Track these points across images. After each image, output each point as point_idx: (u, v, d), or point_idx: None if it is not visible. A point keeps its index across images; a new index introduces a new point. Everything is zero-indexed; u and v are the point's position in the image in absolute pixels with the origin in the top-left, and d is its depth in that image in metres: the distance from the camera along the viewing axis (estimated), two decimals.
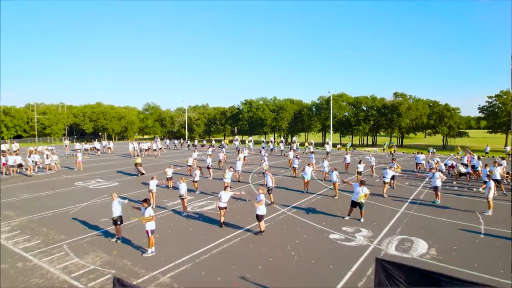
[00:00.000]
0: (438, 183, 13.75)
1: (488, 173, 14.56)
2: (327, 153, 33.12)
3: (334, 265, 8.04)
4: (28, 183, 19.08)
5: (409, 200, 14.31)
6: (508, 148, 34.74)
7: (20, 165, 22.50)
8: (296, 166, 20.59)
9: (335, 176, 14.94)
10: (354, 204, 11.42)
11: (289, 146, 36.78)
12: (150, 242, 8.68)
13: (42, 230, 10.71)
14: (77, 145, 34.00)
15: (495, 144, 50.81)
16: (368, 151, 43.44)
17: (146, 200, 8.85)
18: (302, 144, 44.54)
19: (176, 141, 50.06)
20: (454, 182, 17.94)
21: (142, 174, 21.40)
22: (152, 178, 13.56)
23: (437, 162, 20.09)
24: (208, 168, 20.50)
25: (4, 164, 22.31)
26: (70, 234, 10.29)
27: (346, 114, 60.35)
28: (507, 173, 17.43)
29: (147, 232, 8.59)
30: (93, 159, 32.32)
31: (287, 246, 9.20)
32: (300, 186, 17.41)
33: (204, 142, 48.71)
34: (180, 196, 12.44)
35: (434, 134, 57.68)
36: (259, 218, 10.10)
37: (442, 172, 19.14)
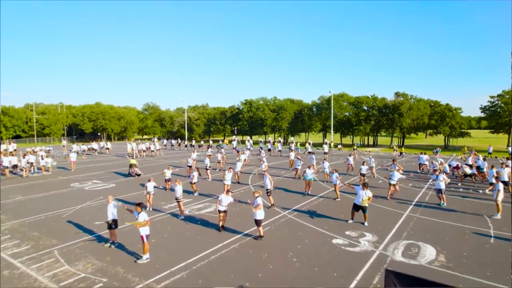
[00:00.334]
0: (442, 185, 13.33)
1: (495, 174, 14.13)
2: (325, 153, 32.65)
3: (338, 272, 7.61)
4: (23, 185, 18.66)
5: (413, 203, 13.88)
6: (510, 149, 34.32)
7: (15, 166, 22.08)
8: (299, 167, 20.05)
9: (335, 177, 14.57)
10: (357, 207, 11.00)
11: (288, 147, 36.21)
12: (145, 248, 8.26)
13: (33, 234, 10.29)
14: (74, 147, 33.56)
15: (497, 145, 50.36)
16: (369, 151, 43.01)
17: (140, 204, 8.45)
18: (302, 144, 44.12)
19: (173, 141, 49.51)
20: (459, 184, 17.50)
21: (138, 175, 21.00)
22: (149, 181, 13.13)
23: (441, 163, 19.66)
24: (207, 169, 20.07)
25: None
26: (62, 238, 9.87)
27: (347, 114, 59.92)
28: None
29: (142, 237, 8.17)
30: (90, 159, 31.91)
31: (288, 252, 8.78)
32: (301, 187, 16.98)
33: (202, 142, 48.18)
34: (176, 199, 12.02)
35: (435, 134, 57.21)
36: (257, 222, 9.70)
37: (446, 173, 18.73)
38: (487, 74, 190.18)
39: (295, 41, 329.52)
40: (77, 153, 33.92)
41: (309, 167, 15.91)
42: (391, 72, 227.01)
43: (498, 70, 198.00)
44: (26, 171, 21.43)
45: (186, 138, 59.65)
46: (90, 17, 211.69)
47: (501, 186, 11.62)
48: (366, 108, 59.57)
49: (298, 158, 21.04)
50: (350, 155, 23.15)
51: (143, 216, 8.24)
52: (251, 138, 64.29)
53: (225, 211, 10.41)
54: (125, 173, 21.99)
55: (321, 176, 19.73)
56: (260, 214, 9.65)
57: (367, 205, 10.88)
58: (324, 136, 66.57)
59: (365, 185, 11.00)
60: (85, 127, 73.40)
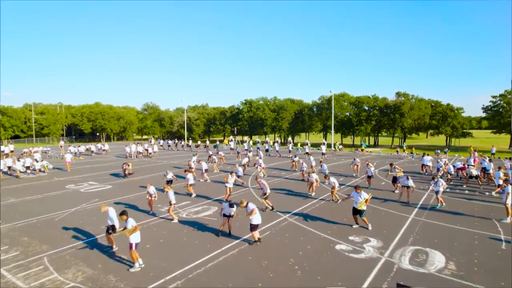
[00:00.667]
0: (441, 189, 12.99)
1: (503, 176, 13.68)
2: (323, 153, 32.18)
3: (342, 281, 7.18)
4: (17, 186, 18.22)
5: (418, 205, 13.44)
6: None
7: (9, 168, 21.65)
8: (305, 168, 19.40)
9: (332, 180, 14.14)
10: (356, 211, 10.58)
11: (288, 148, 35.60)
12: (133, 256, 7.82)
13: (23, 239, 9.85)
14: (72, 148, 33.14)
15: (499, 145, 49.85)
16: (370, 152, 42.56)
17: (124, 213, 8.04)
18: (302, 145, 43.62)
19: (170, 142, 49.04)
20: (464, 186, 17.05)
21: (130, 174, 20.63)
22: (147, 187, 12.64)
23: (446, 163, 19.23)
24: (205, 171, 19.52)
25: None
26: (53, 244, 9.43)
27: (348, 114, 59.44)
28: None
29: (130, 245, 7.74)
30: (88, 160, 31.49)
31: (289, 259, 8.34)
32: (302, 188, 16.56)
33: (199, 142, 47.69)
34: (169, 203, 11.58)
35: (437, 135, 56.73)
36: (252, 227, 9.27)
37: (450, 174, 18.32)
38: (487, 74, 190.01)
39: (295, 41, 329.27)
40: (75, 154, 33.57)
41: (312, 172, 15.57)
42: (392, 72, 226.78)
43: (498, 70, 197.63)
44: (18, 173, 20.92)
45: (186, 138, 59.21)
46: (90, 17, 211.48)
47: (510, 188, 11.18)
48: (367, 108, 59.10)
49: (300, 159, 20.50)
50: (356, 158, 21.93)
51: (130, 223, 7.83)
52: (251, 138, 63.92)
53: (230, 216, 9.96)
54: (122, 174, 21.52)
55: (321, 178, 19.22)
56: (257, 218, 9.26)
57: (364, 208, 10.46)
58: (325, 136, 66.11)
59: (357, 188, 10.57)
60: (84, 127, 72.93)
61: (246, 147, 36.11)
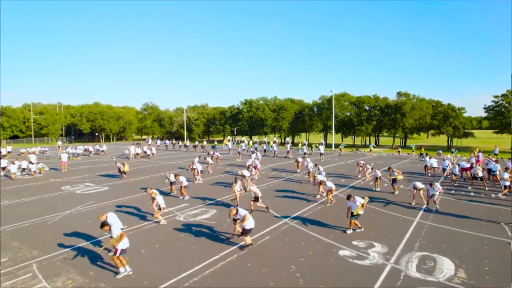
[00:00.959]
0: (436, 193, 12.63)
1: (508, 177, 13.27)
2: (321, 154, 31.75)
3: None
4: (11, 188, 17.82)
5: (423, 208, 13.02)
6: None
7: (3, 168, 21.28)
8: (311, 170, 18.64)
9: (329, 183, 13.76)
10: (351, 214, 10.20)
11: (287, 149, 35.07)
12: (116, 262, 7.44)
13: (13, 244, 9.46)
14: (70, 149, 32.77)
15: (500, 145, 49.29)
16: (380, 152, 42.10)
17: (105, 224, 7.68)
18: (295, 145, 43.14)
19: (167, 142, 48.61)
20: (470, 187, 16.64)
21: (123, 173, 20.26)
22: (148, 191, 12.21)
23: (453, 162, 18.83)
24: (197, 173, 19.03)
25: None
26: (44, 249, 9.04)
27: (348, 114, 59.03)
28: None
29: (115, 251, 7.37)
30: (86, 160, 31.12)
31: (291, 266, 7.95)
32: (303, 191, 16.19)
33: (196, 142, 47.29)
34: (158, 208, 11.18)
35: (438, 135, 56.31)
36: (245, 231, 8.91)
37: (455, 175, 17.92)
38: (488, 74, 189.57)
39: (295, 41, 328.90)
40: (73, 154, 33.21)
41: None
42: (392, 72, 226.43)
43: (499, 70, 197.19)
44: (13, 175, 20.50)
45: (185, 138, 58.82)
46: (90, 17, 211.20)
47: None
48: (367, 108, 58.70)
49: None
50: (358, 162, 21.15)
51: (115, 231, 7.49)
52: (251, 138, 63.55)
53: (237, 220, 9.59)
54: (119, 175, 21.13)
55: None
56: (250, 223, 8.92)
57: (361, 212, 10.08)
58: (325, 137, 65.73)
59: (350, 197, 10.15)
60: (83, 127, 72.57)
61: (244, 147, 35.68)
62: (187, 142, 46.40)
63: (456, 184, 17.70)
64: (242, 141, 40.88)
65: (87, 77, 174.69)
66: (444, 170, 19.61)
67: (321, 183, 14.34)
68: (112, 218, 8.66)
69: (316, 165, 19.16)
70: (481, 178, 16.28)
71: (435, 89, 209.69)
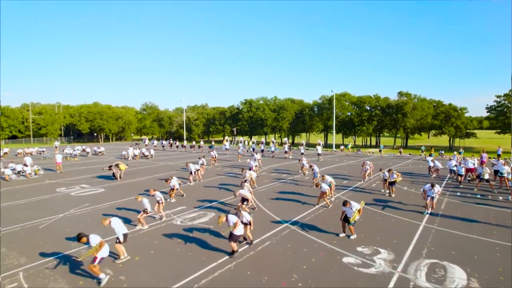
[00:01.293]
0: (435, 195, 12.18)
1: None
2: (318, 154, 31.30)
3: None
4: (4, 190, 17.34)
5: (428, 211, 12.55)
6: None
7: None
8: (317, 176, 17.61)
9: (325, 186, 13.22)
10: (347, 219, 9.72)
11: (285, 149, 34.54)
12: (94, 270, 7.02)
13: (1, 251, 9.01)
14: (67, 149, 32.33)
15: (502, 146, 48.85)
16: (372, 152, 41.69)
17: (81, 235, 7.21)
18: (295, 145, 42.57)
19: (164, 142, 48.19)
20: (475, 189, 16.16)
21: (119, 177, 19.85)
22: (151, 193, 11.78)
23: (460, 163, 18.34)
24: (191, 173, 18.39)
25: None
26: (33, 256, 8.60)
27: (349, 114, 58.57)
28: None
29: (94, 259, 6.97)
30: (83, 161, 30.68)
31: (292, 274, 7.50)
32: (304, 193, 15.73)
33: (193, 142, 46.89)
34: (144, 211, 10.72)
35: (440, 135, 55.82)
36: (233, 237, 8.45)
37: (460, 175, 17.45)
38: (488, 74, 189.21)
39: (295, 41, 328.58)
40: (70, 155, 32.78)
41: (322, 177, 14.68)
42: (392, 72, 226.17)
43: (499, 70, 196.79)
44: (7, 176, 20.05)
45: (185, 138, 58.39)
46: (90, 17, 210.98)
47: None
48: (368, 108, 58.25)
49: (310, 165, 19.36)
50: (364, 162, 20.05)
51: (94, 241, 7.08)
52: (251, 138, 63.08)
53: (246, 224, 9.14)
54: (114, 177, 20.66)
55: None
56: (239, 230, 8.51)
57: (357, 219, 9.66)
58: (326, 137, 65.25)
59: (346, 203, 9.64)
60: (82, 127, 72.09)
61: (241, 148, 35.24)
62: (184, 142, 46.02)
63: (461, 186, 17.24)
64: (240, 141, 40.34)
65: (86, 77, 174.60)
66: (451, 171, 19.04)
67: (323, 194, 13.39)
68: (116, 223, 8.27)
69: (311, 166, 18.70)
70: (488, 180, 15.81)
71: (435, 89, 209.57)
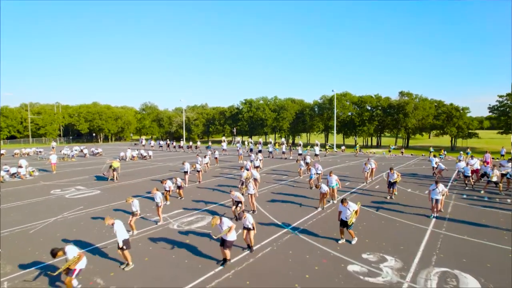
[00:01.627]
0: (439, 196, 11.60)
1: None
2: (316, 155, 30.83)
3: None
4: None
5: (435, 215, 12.07)
6: None
7: None
8: (313, 177, 17.07)
9: (325, 187, 12.78)
10: (344, 223, 9.26)
11: (282, 150, 34.06)
12: (69, 285, 6.56)
13: None
14: (65, 150, 31.89)
15: (504, 146, 48.40)
16: (374, 153, 41.21)
17: (56, 250, 6.70)
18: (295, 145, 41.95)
19: (161, 142, 47.81)
20: (482, 192, 15.69)
21: (115, 179, 19.43)
22: (153, 192, 11.30)
23: (467, 163, 17.83)
24: (185, 173, 17.96)
25: None
26: (20, 264, 8.13)
27: (350, 114, 58.08)
28: None
29: (72, 271, 6.52)
30: (81, 162, 30.22)
31: (294, 285, 7.04)
32: (305, 195, 15.26)
33: (190, 143, 46.49)
34: (132, 213, 10.27)
35: (441, 135, 55.31)
36: (227, 244, 7.93)
37: (466, 177, 16.96)
38: (488, 74, 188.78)
39: (295, 41, 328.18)
40: (68, 155, 32.33)
41: (330, 174, 14.20)
42: (392, 72, 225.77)
43: (499, 70, 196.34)
44: (1, 178, 19.58)
45: (181, 138, 57.92)
46: (90, 17, 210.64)
47: None
48: (369, 108, 57.76)
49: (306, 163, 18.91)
50: (368, 159, 19.38)
51: (71, 253, 6.60)
52: (251, 138, 62.60)
53: (249, 229, 8.67)
54: (112, 178, 20.22)
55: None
56: (233, 235, 7.99)
57: (354, 220, 9.19)
58: (326, 137, 64.75)
59: (344, 201, 9.21)
60: (81, 127, 71.65)
61: (238, 148, 34.79)
62: (181, 143, 45.63)
63: (467, 188, 16.78)
64: (237, 142, 39.82)
65: (86, 77, 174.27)
66: (458, 172, 18.46)
67: (324, 195, 13.01)
68: (119, 226, 7.84)
69: (315, 165, 18.19)
70: (496, 183, 15.32)
71: (435, 89, 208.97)
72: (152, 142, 46.61)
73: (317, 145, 34.69)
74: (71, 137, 74.52)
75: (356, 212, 9.13)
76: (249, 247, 8.87)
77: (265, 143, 47.67)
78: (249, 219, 8.65)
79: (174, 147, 44.81)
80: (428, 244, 9.29)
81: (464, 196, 15.04)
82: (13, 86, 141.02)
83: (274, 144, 38.86)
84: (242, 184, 15.38)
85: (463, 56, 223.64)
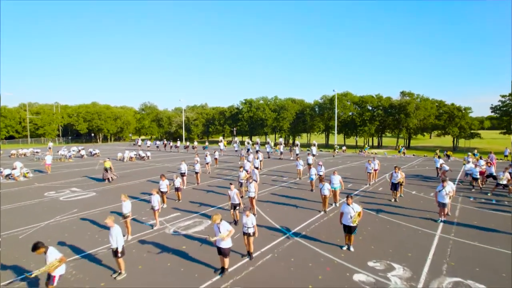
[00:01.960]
0: (446, 200, 11.03)
1: None
2: (313, 155, 30.35)
3: None
4: None
5: (442, 219, 11.60)
6: None
7: None
8: (313, 179, 16.30)
9: (327, 189, 12.27)
10: (347, 229, 8.76)
11: (280, 150, 33.63)
12: None
13: None
14: (62, 150, 31.43)
15: (503, 146, 48.01)
16: (375, 153, 40.73)
17: (39, 245, 6.08)
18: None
19: (158, 142, 47.44)
20: (489, 194, 15.21)
21: (111, 179, 19.01)
22: (153, 193, 10.88)
23: (476, 165, 17.33)
24: (182, 174, 17.41)
25: None
26: (6, 272, 7.67)
27: (351, 114, 57.59)
28: None
29: (52, 278, 6.04)
30: (77, 162, 29.75)
31: None
32: (308, 197, 14.78)
33: (187, 143, 46.04)
34: (123, 216, 9.80)
35: (443, 135, 54.82)
36: (226, 252, 7.44)
37: (474, 179, 16.45)
38: (488, 74, 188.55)
39: (295, 41, 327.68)
40: (65, 156, 31.88)
41: (334, 173, 13.72)
42: (392, 72, 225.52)
43: (499, 70, 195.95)
44: None
45: (178, 139, 57.49)
46: (89, 17, 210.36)
47: None
48: (370, 108, 57.29)
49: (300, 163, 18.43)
50: (374, 159, 18.91)
51: (52, 256, 6.05)
52: (251, 139, 62.15)
53: (248, 234, 8.21)
54: (109, 178, 19.73)
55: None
56: (229, 242, 7.51)
57: (357, 222, 8.70)
58: (327, 137, 64.26)
59: (349, 197, 8.71)
60: (80, 127, 71.24)
61: (236, 148, 34.31)
62: (178, 143, 45.24)
63: (473, 190, 16.30)
64: (235, 142, 39.33)
65: (86, 77, 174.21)
66: (466, 174, 17.92)
67: (326, 197, 12.48)
68: (118, 231, 7.35)
69: (309, 166, 17.71)
70: (505, 186, 14.82)
71: (435, 89, 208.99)
72: (149, 142, 46.11)
73: (314, 145, 34.12)
74: (70, 137, 74.09)
75: (359, 214, 8.66)
76: (249, 254, 8.40)
77: (263, 144, 47.14)
78: (252, 220, 8.19)
79: (171, 147, 44.44)
80: (437, 251, 8.81)
81: (471, 199, 14.56)
82: (13, 86, 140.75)
83: (275, 145, 38.40)
84: (241, 185, 14.94)
85: (463, 56, 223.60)
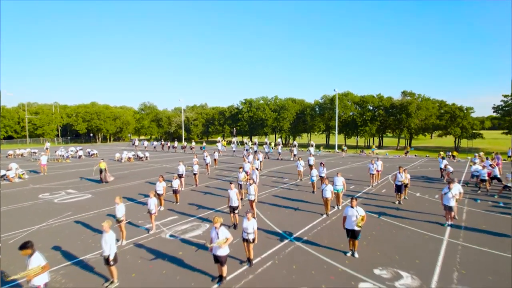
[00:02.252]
0: (452, 202, 10.60)
1: None
2: (312, 155, 29.92)
3: None
4: None
5: (449, 223, 11.17)
6: None
7: None
8: (314, 180, 16.07)
9: (329, 191, 11.83)
10: (352, 233, 8.35)
11: (278, 150, 33.20)
12: None
13: None
14: (59, 151, 31.03)
15: (503, 146, 47.61)
16: (376, 153, 40.29)
17: (27, 245, 5.57)
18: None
19: (155, 143, 47.07)
20: (496, 196, 14.78)
21: (104, 179, 18.65)
22: (151, 195, 10.49)
23: (483, 166, 16.89)
24: (180, 176, 16.94)
25: None
26: None
27: (352, 114, 57.18)
28: None
29: None
30: (75, 163, 29.33)
31: None
32: (310, 199, 14.36)
33: (185, 143, 45.66)
34: (116, 220, 9.39)
35: (445, 135, 54.40)
36: (223, 260, 7.01)
37: (482, 181, 15.99)
38: (488, 75, 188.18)
39: (295, 41, 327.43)
40: (63, 156, 31.49)
41: (337, 174, 13.30)
42: (392, 71, 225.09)
43: (499, 71, 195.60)
44: None
45: (176, 139, 57.10)
46: (89, 17, 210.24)
47: None
48: (371, 108, 56.88)
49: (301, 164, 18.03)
50: (377, 159, 18.66)
51: (36, 261, 5.55)
52: (251, 139, 61.73)
53: (248, 240, 7.80)
54: (106, 181, 19.32)
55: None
56: (226, 249, 7.08)
57: (361, 226, 8.29)
58: (328, 137, 63.86)
59: (354, 199, 8.36)
60: (79, 127, 70.86)
61: (233, 148, 33.90)
62: (175, 143, 44.90)
63: (479, 192, 15.88)
64: (233, 142, 38.89)
65: (86, 77, 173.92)
66: (473, 176, 17.49)
67: (327, 200, 12.03)
68: (111, 238, 6.96)
69: (310, 167, 17.29)
70: (510, 187, 14.41)
71: (436, 89, 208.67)
72: (146, 143, 45.68)
73: (312, 145, 33.62)
74: (69, 138, 73.69)
75: (362, 218, 8.25)
76: (249, 260, 7.99)
77: (260, 144, 46.74)
78: (253, 225, 7.79)
79: (169, 147, 44.10)
80: (446, 257, 8.39)
81: (478, 201, 14.13)
82: (13, 86, 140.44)
83: (275, 145, 37.96)
84: (241, 187, 14.54)
85: (463, 56, 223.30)
